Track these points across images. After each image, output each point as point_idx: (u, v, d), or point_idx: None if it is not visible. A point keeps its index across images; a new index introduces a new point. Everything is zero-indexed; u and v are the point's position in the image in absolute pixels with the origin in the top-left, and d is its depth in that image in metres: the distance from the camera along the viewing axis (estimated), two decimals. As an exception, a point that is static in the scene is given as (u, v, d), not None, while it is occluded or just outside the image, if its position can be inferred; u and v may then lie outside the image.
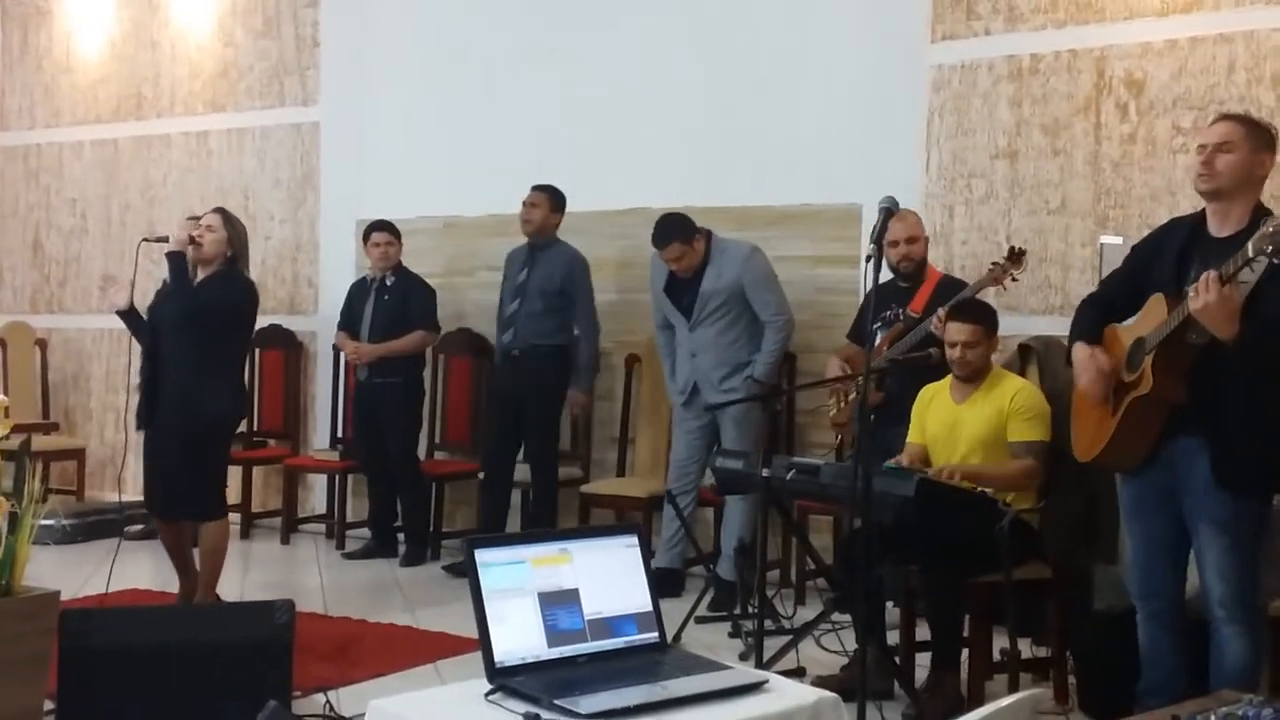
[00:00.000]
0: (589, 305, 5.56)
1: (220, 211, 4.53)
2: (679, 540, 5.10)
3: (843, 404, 4.68)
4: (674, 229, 4.98)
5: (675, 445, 5.21)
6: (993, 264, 4.44)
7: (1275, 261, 2.78)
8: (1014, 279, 4.36)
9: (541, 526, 5.43)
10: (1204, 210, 3.14)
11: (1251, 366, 2.93)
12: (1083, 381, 3.20)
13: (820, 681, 3.75)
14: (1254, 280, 2.90)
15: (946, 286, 4.45)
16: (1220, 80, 4.61)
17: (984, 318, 3.90)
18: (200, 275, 4.41)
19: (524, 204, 5.60)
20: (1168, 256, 3.13)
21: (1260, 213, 3.02)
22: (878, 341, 4.44)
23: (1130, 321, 3.22)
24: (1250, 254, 2.80)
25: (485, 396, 5.97)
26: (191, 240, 4.37)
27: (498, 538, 2.62)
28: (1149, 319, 3.10)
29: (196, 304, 4.32)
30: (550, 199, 5.60)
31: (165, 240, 4.45)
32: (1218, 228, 3.08)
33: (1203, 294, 2.86)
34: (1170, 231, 3.22)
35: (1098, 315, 3.27)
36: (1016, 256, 4.32)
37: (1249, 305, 2.90)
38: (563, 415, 5.69)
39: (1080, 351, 3.22)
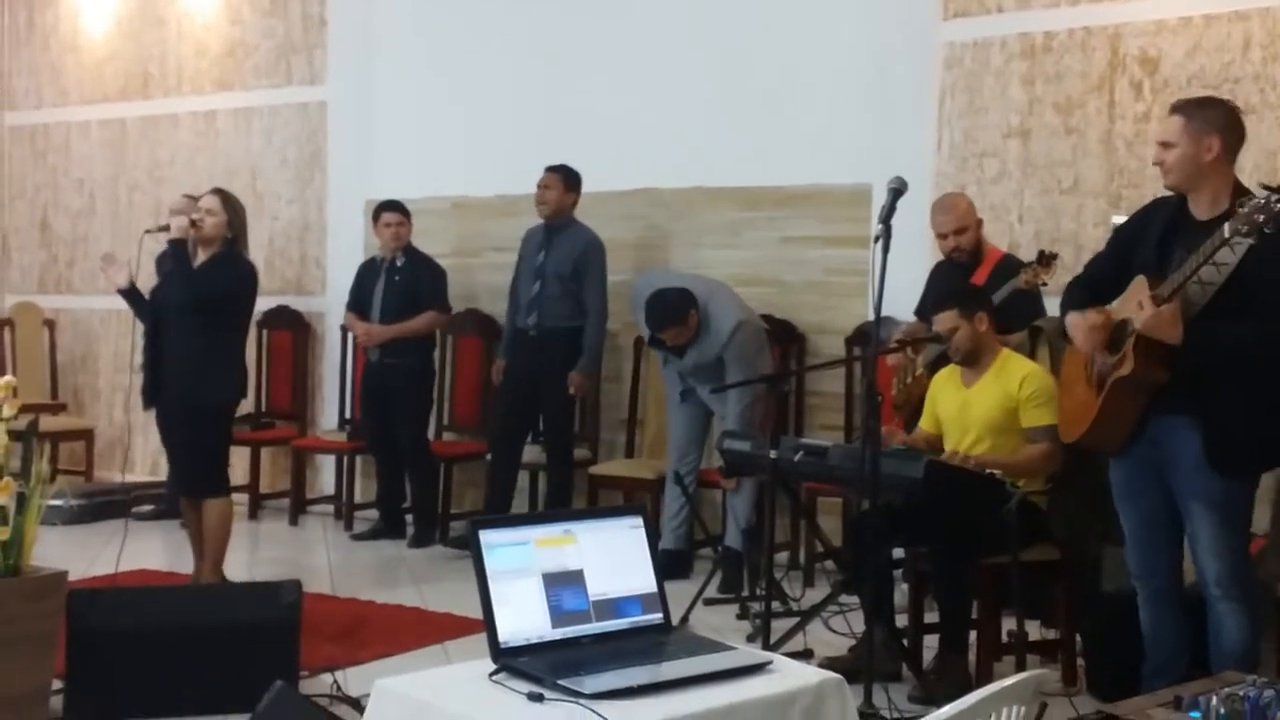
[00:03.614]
0: (600, 288, 5.50)
1: (219, 193, 4.53)
2: (684, 521, 5.09)
3: (907, 381, 4.55)
4: (669, 314, 4.83)
5: (672, 427, 5.18)
6: (1024, 265, 4.32)
7: (1251, 241, 2.80)
8: (1044, 283, 4.28)
9: (557, 507, 5.42)
10: None
11: (1241, 352, 2.99)
12: (1079, 338, 3.21)
13: (828, 663, 3.74)
14: (1234, 262, 2.91)
15: (1006, 266, 4.35)
16: (1235, 58, 4.55)
17: (957, 301, 3.87)
18: (201, 257, 4.41)
19: (538, 186, 5.55)
20: (1150, 239, 3.15)
21: (1239, 192, 3.04)
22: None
23: (1116, 303, 3.23)
24: (1220, 241, 2.85)
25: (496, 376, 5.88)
26: (192, 224, 4.38)
27: (502, 519, 2.62)
28: (1132, 301, 3.11)
29: (199, 290, 4.32)
30: (564, 179, 5.54)
31: (167, 229, 4.45)
32: (1198, 211, 3.10)
33: (1141, 311, 2.96)
34: (1153, 213, 3.24)
35: (1086, 295, 3.30)
36: (1047, 260, 4.24)
37: (1230, 286, 2.93)
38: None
39: (1072, 317, 3.25)
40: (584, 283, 5.48)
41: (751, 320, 5.02)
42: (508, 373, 5.67)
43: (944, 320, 3.85)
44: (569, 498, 5.56)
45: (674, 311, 4.86)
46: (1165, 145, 3.08)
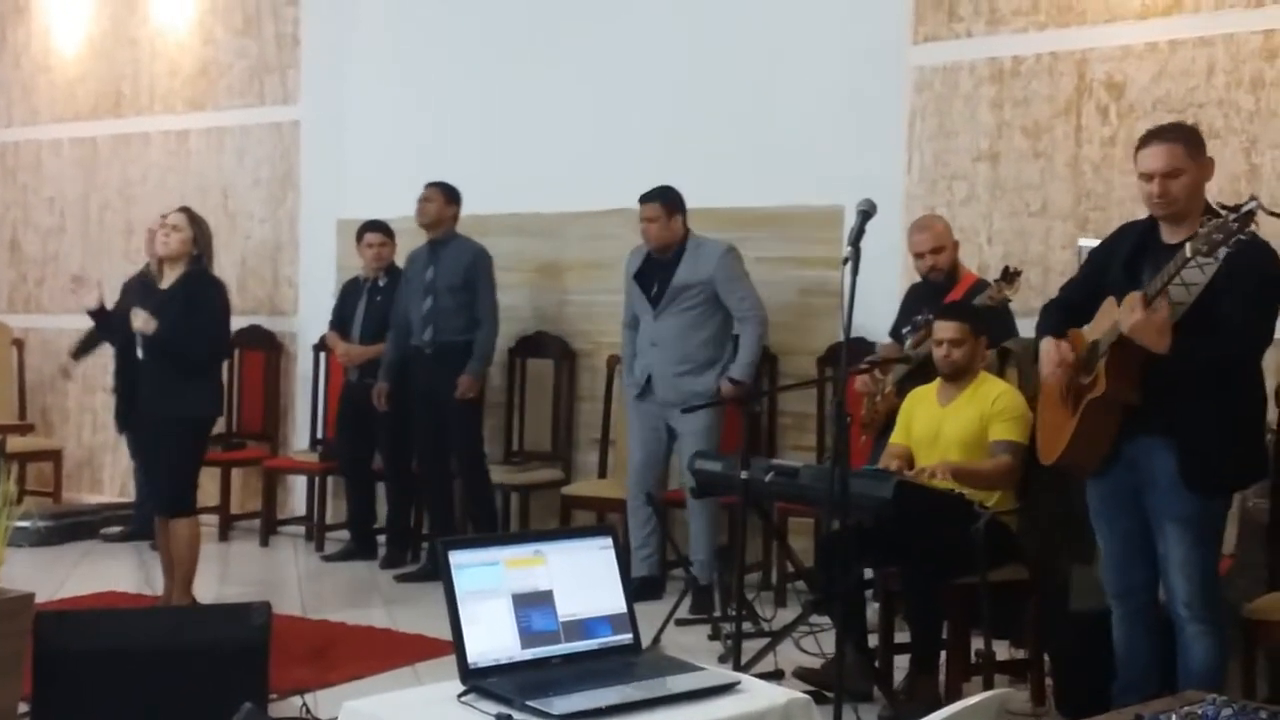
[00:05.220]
0: (491, 297, 5.52)
1: (185, 211, 4.57)
2: (655, 549, 5.06)
3: (876, 400, 4.56)
4: (660, 192, 5.05)
5: (631, 448, 5.15)
6: (989, 283, 4.37)
7: (1216, 257, 2.84)
8: (1008, 299, 4.33)
9: (483, 526, 5.39)
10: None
11: (1213, 370, 3.01)
12: (1045, 370, 3.26)
13: (800, 672, 3.76)
14: (1204, 282, 2.95)
15: (978, 291, 4.36)
16: (1200, 83, 4.62)
17: (970, 317, 3.91)
18: (168, 275, 4.45)
19: (419, 200, 5.58)
20: (1120, 261, 3.19)
21: (1208, 213, 3.06)
22: (907, 346, 4.41)
23: (1088, 327, 3.27)
24: (1183, 262, 2.88)
25: (408, 398, 5.67)
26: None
27: (471, 539, 2.62)
28: (1102, 321, 3.15)
29: (173, 311, 4.34)
30: (444, 193, 5.58)
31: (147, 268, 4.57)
32: (1170, 235, 3.12)
33: (1132, 314, 2.94)
34: (1123, 236, 3.28)
35: (1061, 317, 3.33)
36: (1011, 276, 4.29)
37: (1201, 304, 2.96)
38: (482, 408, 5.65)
39: (1045, 343, 3.28)
40: (475, 293, 5.48)
41: None
42: (411, 394, 5.58)
43: (948, 329, 3.84)
44: (492, 514, 5.51)
45: (665, 194, 5.05)
46: (1172, 174, 3.02)
